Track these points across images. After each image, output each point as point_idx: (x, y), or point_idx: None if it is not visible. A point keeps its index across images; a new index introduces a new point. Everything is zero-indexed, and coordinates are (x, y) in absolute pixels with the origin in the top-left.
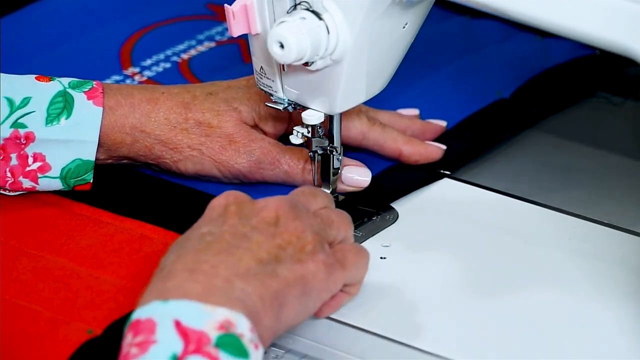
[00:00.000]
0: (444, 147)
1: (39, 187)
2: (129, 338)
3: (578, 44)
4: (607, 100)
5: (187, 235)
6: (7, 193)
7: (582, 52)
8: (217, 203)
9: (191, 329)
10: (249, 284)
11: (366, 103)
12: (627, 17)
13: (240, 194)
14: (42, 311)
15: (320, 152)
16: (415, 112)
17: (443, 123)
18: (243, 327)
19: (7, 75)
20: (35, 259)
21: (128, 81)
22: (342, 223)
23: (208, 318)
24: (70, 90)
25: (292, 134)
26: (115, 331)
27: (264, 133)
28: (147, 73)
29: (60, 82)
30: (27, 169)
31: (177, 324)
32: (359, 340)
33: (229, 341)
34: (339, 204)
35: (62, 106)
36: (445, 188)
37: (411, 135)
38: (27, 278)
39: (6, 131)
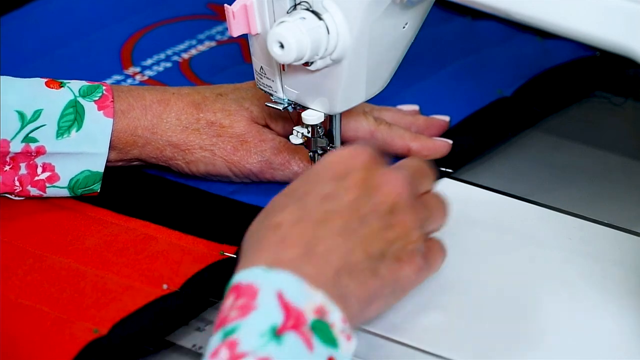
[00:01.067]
0: (450, 141)
1: (46, 195)
2: (229, 301)
3: (578, 45)
4: (607, 100)
5: (306, 189)
6: (12, 197)
7: (583, 53)
8: (342, 157)
9: (292, 305)
10: (352, 281)
11: (368, 102)
12: (627, 17)
13: (367, 152)
14: (48, 311)
15: (320, 152)
16: (415, 107)
17: (446, 118)
18: (335, 317)
19: (13, 79)
20: (41, 259)
21: (129, 81)
22: (440, 213)
23: (308, 299)
24: (80, 100)
25: None
26: (120, 330)
27: (276, 132)
28: (148, 72)
29: (71, 89)
30: (36, 178)
31: (280, 296)
32: (358, 340)
33: (321, 327)
34: None
35: (72, 118)
36: (445, 188)
37: (416, 132)
38: (32, 278)
39: (17, 146)
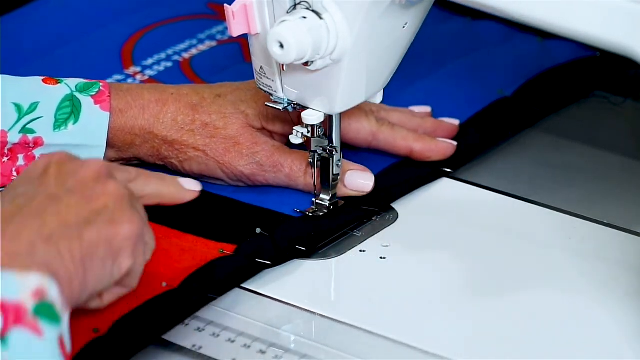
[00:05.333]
0: (455, 143)
1: None
2: None
3: (578, 45)
4: (607, 100)
5: (2, 194)
6: None
7: (583, 53)
8: (40, 162)
9: (7, 301)
10: (52, 248)
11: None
12: (627, 17)
13: (64, 153)
14: None
15: (320, 152)
16: (427, 109)
17: (456, 122)
18: (54, 293)
19: (13, 77)
20: None
21: (130, 80)
22: (144, 175)
23: (22, 286)
24: (77, 94)
25: None
26: (121, 330)
27: (273, 134)
28: (149, 72)
29: (68, 85)
30: None
31: None
32: (359, 340)
33: (45, 309)
34: (339, 209)
35: (69, 111)
36: (445, 188)
37: (423, 134)
38: None
39: (15, 137)
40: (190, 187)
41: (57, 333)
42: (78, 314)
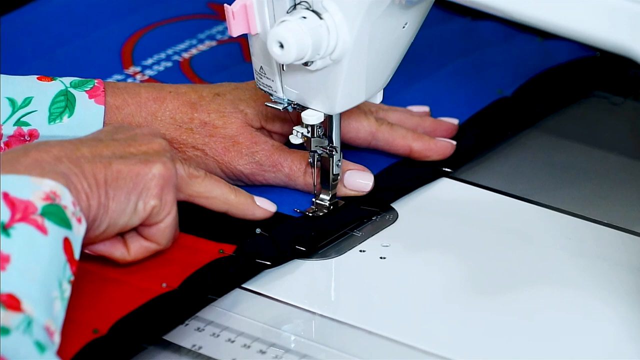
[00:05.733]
0: (454, 142)
1: None
2: None
3: (578, 46)
4: (607, 100)
5: None
6: None
7: (583, 53)
8: (106, 127)
9: (18, 199)
10: (77, 166)
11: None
12: (627, 17)
13: (126, 124)
14: None
15: (320, 152)
16: (425, 109)
17: (455, 121)
18: (67, 200)
19: (7, 76)
20: None
21: (129, 80)
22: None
23: (35, 189)
24: (71, 89)
25: None
26: (120, 330)
27: (273, 133)
28: (149, 72)
29: (62, 82)
30: None
31: (5, 196)
32: (359, 340)
33: (54, 211)
34: (339, 209)
35: (63, 105)
36: (445, 188)
37: (422, 133)
38: None
39: (10, 129)
40: (264, 206)
41: (63, 235)
42: (78, 314)
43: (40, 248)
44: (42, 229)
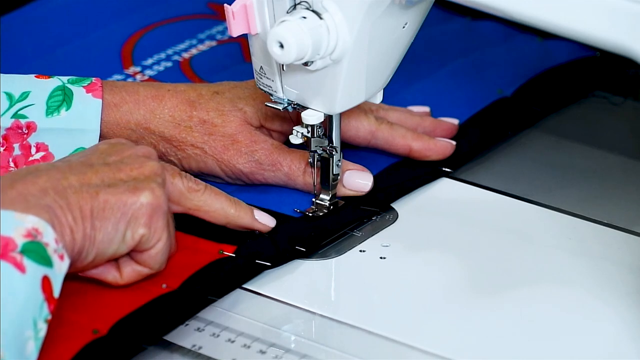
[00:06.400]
0: (454, 142)
1: None
2: None
3: (578, 46)
4: (607, 100)
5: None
6: None
7: (583, 53)
8: (101, 141)
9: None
10: (61, 198)
11: None
12: (627, 17)
13: (123, 140)
14: None
15: (320, 152)
16: (426, 109)
17: (455, 121)
18: (49, 237)
19: (6, 74)
20: None
21: (129, 80)
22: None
23: (17, 225)
24: (68, 85)
25: None
26: (120, 330)
27: (272, 132)
28: (149, 72)
29: (59, 79)
30: (30, 158)
31: None
32: (359, 340)
33: (34, 248)
34: (339, 209)
35: (61, 99)
36: (445, 188)
37: (422, 133)
38: None
39: (7, 121)
40: (263, 220)
41: (42, 273)
42: (78, 314)
43: (17, 286)
44: (20, 267)
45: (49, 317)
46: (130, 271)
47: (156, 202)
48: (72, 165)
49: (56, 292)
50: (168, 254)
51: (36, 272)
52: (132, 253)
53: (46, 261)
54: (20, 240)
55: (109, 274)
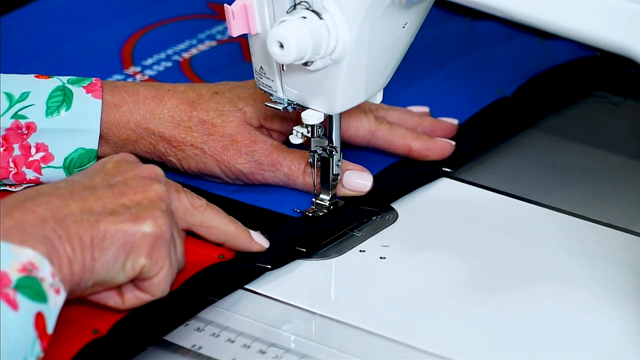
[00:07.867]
0: (453, 142)
1: (42, 178)
2: None
3: (578, 46)
4: (607, 100)
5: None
6: (12, 189)
7: (583, 53)
8: (105, 159)
9: None
10: (60, 227)
11: None
12: (627, 17)
13: (129, 154)
14: None
15: (320, 152)
16: (425, 109)
17: (454, 121)
18: (45, 271)
19: (5, 74)
20: None
21: (129, 80)
22: (185, 192)
23: (12, 259)
24: (68, 85)
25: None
26: (120, 331)
27: (272, 132)
28: (149, 72)
29: (59, 79)
30: (30, 159)
31: None
32: (358, 340)
33: (28, 284)
34: (339, 209)
35: (61, 99)
36: (445, 188)
37: (422, 133)
38: None
39: (7, 122)
40: (259, 241)
41: (36, 309)
42: (78, 314)
43: (8, 324)
44: (13, 305)
45: (41, 355)
46: (132, 297)
47: (159, 231)
48: (74, 188)
49: (50, 328)
50: (171, 281)
51: (30, 309)
52: (135, 281)
53: (41, 297)
54: (14, 276)
55: (111, 300)
